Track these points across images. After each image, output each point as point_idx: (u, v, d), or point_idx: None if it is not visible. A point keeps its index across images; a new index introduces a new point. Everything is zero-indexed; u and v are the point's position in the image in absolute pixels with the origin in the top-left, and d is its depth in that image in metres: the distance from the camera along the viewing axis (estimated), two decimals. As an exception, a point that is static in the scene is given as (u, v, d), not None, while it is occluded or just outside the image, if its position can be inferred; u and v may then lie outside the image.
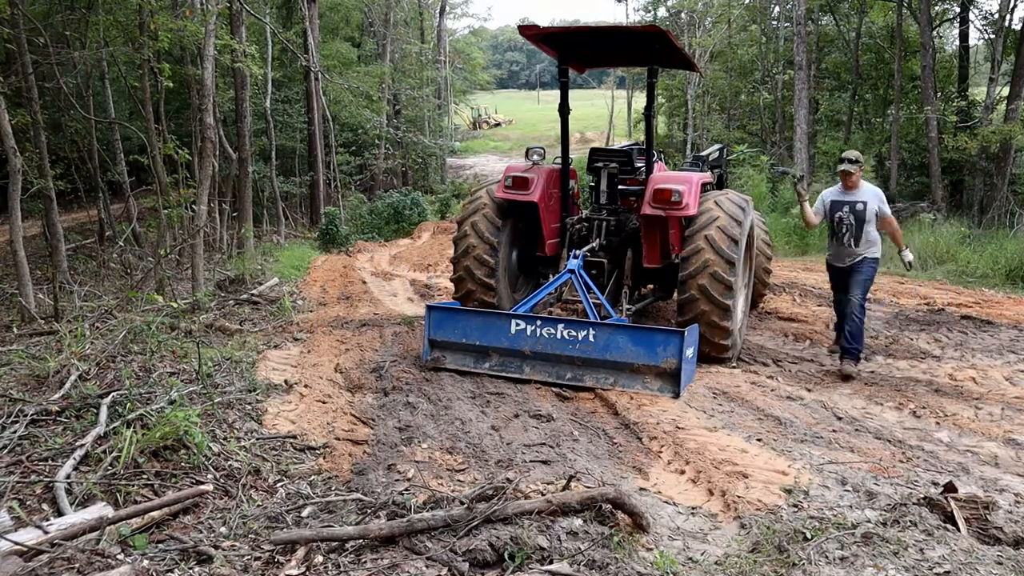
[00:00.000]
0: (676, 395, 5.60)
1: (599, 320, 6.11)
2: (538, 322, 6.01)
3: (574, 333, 5.87)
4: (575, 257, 6.65)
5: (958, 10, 19.10)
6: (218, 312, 8.65)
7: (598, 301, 6.49)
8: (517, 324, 6.04)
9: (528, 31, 6.62)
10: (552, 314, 6.47)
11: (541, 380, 6.00)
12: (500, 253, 7.17)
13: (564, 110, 7.15)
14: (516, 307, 6.60)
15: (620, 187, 7.38)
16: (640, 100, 39.82)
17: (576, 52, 7.26)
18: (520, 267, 7.72)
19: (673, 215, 6.66)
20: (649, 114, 7.29)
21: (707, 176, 7.59)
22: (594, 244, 7.09)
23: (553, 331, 5.94)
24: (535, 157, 7.43)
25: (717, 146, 10.00)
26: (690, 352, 5.80)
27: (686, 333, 5.61)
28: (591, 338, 5.82)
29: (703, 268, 6.25)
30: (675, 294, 6.85)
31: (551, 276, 7.12)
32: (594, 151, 7.65)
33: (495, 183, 7.48)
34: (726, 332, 6.33)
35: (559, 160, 7.50)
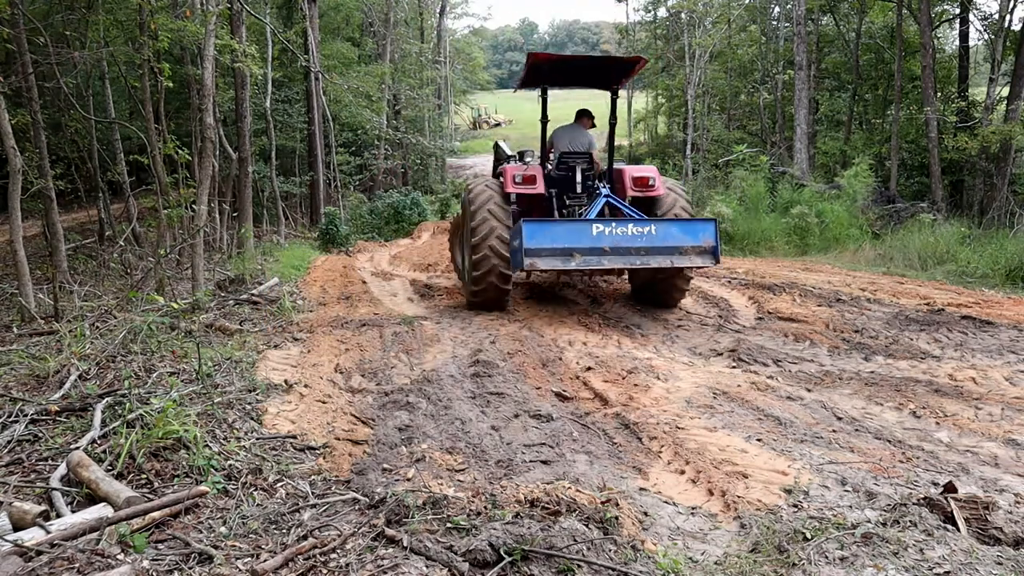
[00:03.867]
0: (717, 262, 7.67)
1: (643, 218, 7.98)
2: (613, 224, 7.65)
3: (640, 229, 7.63)
4: (605, 187, 8.71)
5: (958, 10, 19.11)
6: (218, 312, 8.65)
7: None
8: (598, 227, 7.60)
9: (533, 57, 8.43)
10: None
11: (618, 267, 7.84)
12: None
13: (544, 120, 9.20)
14: (588, 214, 8.31)
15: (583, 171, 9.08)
16: (640, 101, 39.89)
17: (552, 76, 9.15)
18: None
19: (650, 195, 8.70)
20: (612, 121, 9.30)
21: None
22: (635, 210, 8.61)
23: (625, 230, 7.62)
24: (528, 159, 8.70)
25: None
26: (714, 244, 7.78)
27: (716, 221, 7.84)
28: (653, 231, 7.64)
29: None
30: None
31: None
32: (564, 154, 9.16)
33: (489, 180, 9.19)
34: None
35: (538, 160, 9.43)
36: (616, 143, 33.16)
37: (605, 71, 9.12)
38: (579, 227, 7.66)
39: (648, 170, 8.86)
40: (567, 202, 8.96)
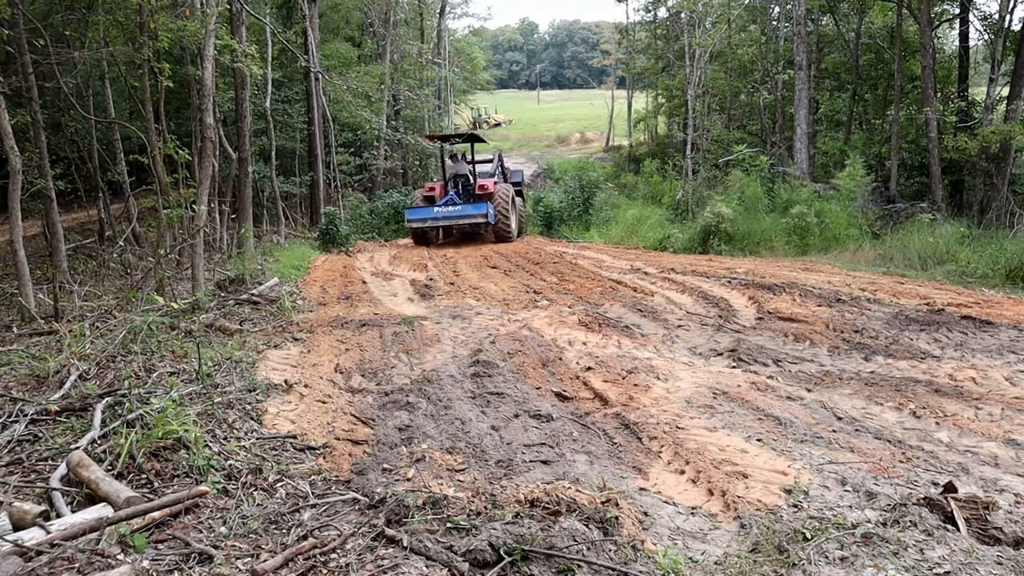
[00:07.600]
0: (486, 219, 16.84)
1: (463, 203, 17.51)
2: (443, 207, 17.19)
3: (455, 208, 17.01)
4: (454, 192, 17.87)
5: (958, 10, 19.10)
6: (218, 312, 8.65)
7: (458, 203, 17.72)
8: (437, 209, 17.19)
9: (430, 136, 23.32)
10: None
11: (443, 224, 17.67)
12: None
13: (442, 161, 19.79)
14: (438, 203, 17.56)
15: (463, 184, 18.37)
16: (640, 101, 39.95)
17: (447, 139, 20.83)
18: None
19: (488, 192, 17.53)
20: (473, 152, 19.46)
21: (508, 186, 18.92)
22: (457, 198, 17.91)
23: (448, 210, 17.01)
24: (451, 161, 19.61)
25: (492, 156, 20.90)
26: (490, 213, 16.86)
27: (488, 205, 16.87)
28: (460, 210, 16.91)
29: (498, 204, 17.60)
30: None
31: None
32: (454, 175, 18.46)
33: (419, 190, 19.70)
34: (508, 225, 17.41)
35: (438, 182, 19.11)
36: (615, 143, 37.38)
37: (470, 137, 19.25)
38: (428, 209, 17.23)
39: (485, 180, 18.19)
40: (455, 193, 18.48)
